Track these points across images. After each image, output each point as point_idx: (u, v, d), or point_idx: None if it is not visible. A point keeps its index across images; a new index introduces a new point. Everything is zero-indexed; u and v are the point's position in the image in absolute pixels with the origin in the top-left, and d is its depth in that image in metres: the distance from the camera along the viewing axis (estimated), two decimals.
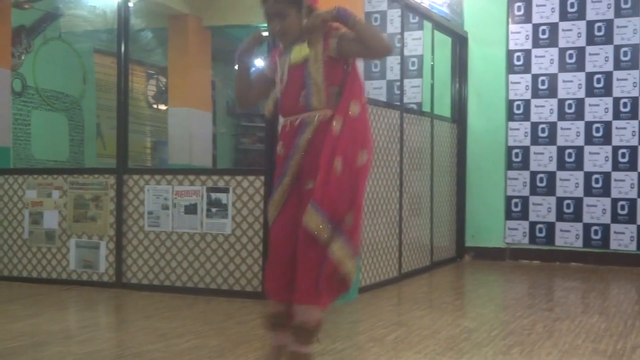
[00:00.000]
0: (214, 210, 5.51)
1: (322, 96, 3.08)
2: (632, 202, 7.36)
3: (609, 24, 7.45)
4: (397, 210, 6.38)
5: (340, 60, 3.13)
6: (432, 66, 7.38)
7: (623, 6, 7.42)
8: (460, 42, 7.90)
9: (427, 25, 7.43)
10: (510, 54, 7.85)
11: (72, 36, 8.93)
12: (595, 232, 7.48)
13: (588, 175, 7.51)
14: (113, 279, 5.81)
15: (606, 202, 7.45)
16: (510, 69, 7.86)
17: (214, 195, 5.52)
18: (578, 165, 7.55)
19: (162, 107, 10.08)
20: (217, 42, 8.91)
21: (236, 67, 3.35)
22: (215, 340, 4.05)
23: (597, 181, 7.48)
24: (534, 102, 7.76)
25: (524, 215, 7.76)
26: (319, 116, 3.08)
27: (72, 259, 5.97)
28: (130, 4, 6.06)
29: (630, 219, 7.36)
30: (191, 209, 5.59)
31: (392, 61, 8.02)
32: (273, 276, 3.19)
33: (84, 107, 9.19)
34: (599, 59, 7.49)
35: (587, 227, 7.53)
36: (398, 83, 7.13)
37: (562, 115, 7.63)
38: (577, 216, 7.54)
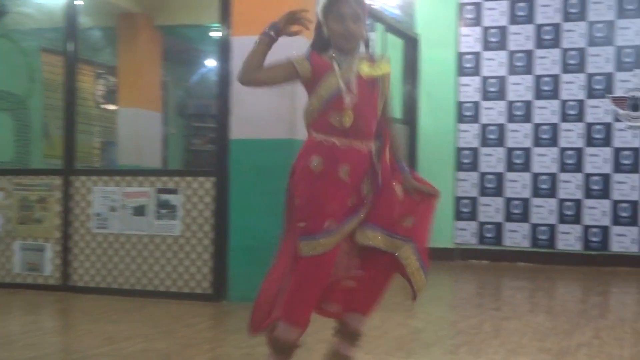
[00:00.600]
0: (163, 211, 5.45)
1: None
2: (577, 203, 7.51)
3: (556, 27, 7.58)
4: None
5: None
6: None
7: (570, 10, 7.56)
8: (411, 44, 7.96)
9: (380, 27, 7.47)
10: (460, 56, 7.94)
11: (19, 34, 8.74)
12: (543, 232, 7.61)
13: (535, 177, 7.64)
14: (59, 282, 5.70)
15: (553, 202, 7.58)
16: (461, 71, 7.95)
17: (163, 197, 5.46)
18: (526, 166, 7.67)
19: (111, 107, 9.93)
20: (168, 42, 8.83)
21: (258, 38, 2.97)
22: (163, 343, 4.00)
23: (544, 182, 7.61)
24: (483, 104, 7.87)
25: (472, 215, 7.86)
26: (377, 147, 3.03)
27: (16, 262, 5.85)
28: (79, 2, 5.97)
29: (576, 219, 7.51)
30: (140, 211, 5.52)
31: None
32: (312, 306, 3.04)
33: (30, 107, 9.00)
34: (547, 62, 7.62)
35: (534, 228, 7.65)
36: None
37: (510, 118, 7.75)
38: (524, 216, 7.66)
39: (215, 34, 6.96)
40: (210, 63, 7.51)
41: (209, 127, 11.38)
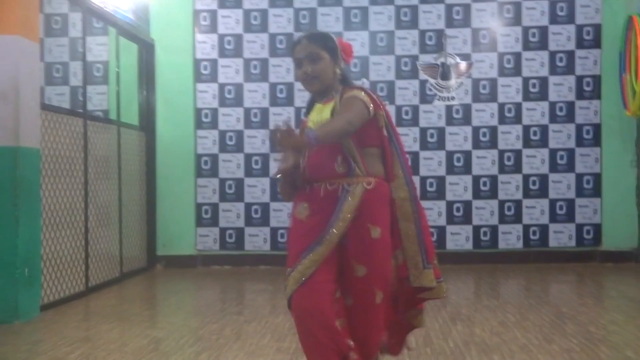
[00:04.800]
0: None
1: (359, 162, 2.89)
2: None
3: (289, 37, 7.83)
4: (82, 222, 6.09)
5: (370, 122, 2.91)
6: (118, 73, 7.18)
7: (302, 21, 7.86)
8: (147, 49, 7.80)
9: (112, 30, 7.23)
10: (197, 62, 7.92)
11: None
12: (282, 235, 7.81)
13: (275, 182, 7.81)
14: None
15: (290, 205, 7.80)
16: (198, 77, 7.93)
17: None
18: (264, 172, 7.82)
19: None
20: None
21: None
22: None
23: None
24: (221, 110, 7.91)
25: (214, 221, 7.87)
26: (365, 183, 2.89)
27: None
28: None
29: None
30: None
31: (75, 66, 7.69)
32: (321, 347, 2.85)
33: None
34: (281, 70, 7.84)
35: (274, 231, 7.83)
36: (82, 89, 6.83)
37: (248, 124, 7.87)
38: (264, 221, 7.82)
39: None
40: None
41: None
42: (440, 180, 7.73)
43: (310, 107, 3.11)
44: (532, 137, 7.69)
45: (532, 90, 7.71)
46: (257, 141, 7.87)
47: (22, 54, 5.09)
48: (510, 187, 7.71)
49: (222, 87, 7.91)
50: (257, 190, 7.87)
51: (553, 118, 7.68)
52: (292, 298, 2.88)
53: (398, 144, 3.02)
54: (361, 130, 2.88)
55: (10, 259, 4.94)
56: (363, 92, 2.93)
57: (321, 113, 2.97)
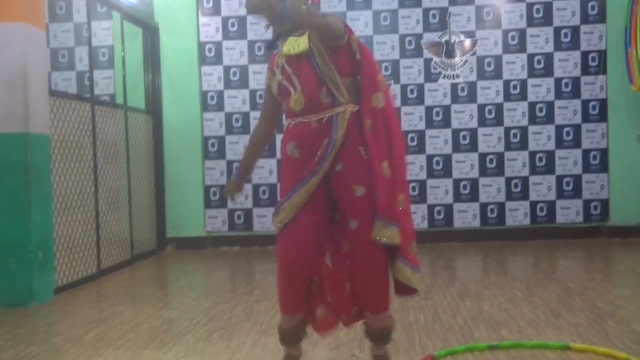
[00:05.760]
0: None
1: (342, 90, 2.94)
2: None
3: None
4: (93, 206, 6.15)
5: (343, 48, 2.97)
6: (123, 57, 7.20)
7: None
8: (151, 33, 7.81)
9: (116, 15, 7.25)
10: (201, 45, 7.94)
11: None
12: None
13: (280, 162, 7.85)
14: None
15: None
16: (202, 60, 7.95)
17: None
18: (272, 152, 7.86)
19: None
20: None
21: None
22: None
23: None
24: (227, 92, 7.94)
25: (222, 203, 7.93)
26: (349, 111, 2.96)
27: None
28: None
29: None
30: None
31: (81, 52, 7.72)
32: (293, 291, 3.03)
33: None
34: None
35: None
36: (88, 74, 6.86)
37: (254, 105, 7.90)
38: (272, 201, 7.87)
39: None
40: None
41: None
42: (447, 158, 7.76)
43: (274, 42, 3.14)
44: (538, 114, 7.70)
45: (537, 66, 7.71)
46: None
47: (29, 41, 5.13)
48: (517, 164, 7.73)
49: (227, 69, 7.93)
50: (265, 171, 7.91)
51: (559, 94, 7.69)
52: (278, 237, 3.03)
53: (371, 71, 3.03)
54: (335, 59, 2.94)
55: (24, 243, 5.01)
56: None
57: (296, 42, 3.00)
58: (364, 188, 2.94)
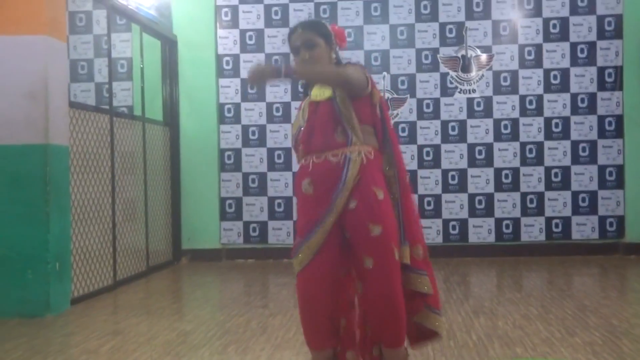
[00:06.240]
0: None
1: (357, 130, 3.04)
2: None
3: None
4: (110, 217, 6.21)
5: (364, 97, 3.09)
6: (142, 69, 7.27)
7: (323, 15, 7.91)
8: (169, 45, 7.89)
9: (135, 27, 7.32)
10: (219, 58, 8.00)
11: None
12: None
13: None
14: None
15: None
16: (220, 73, 8.01)
17: None
18: (287, 165, 7.90)
19: None
20: None
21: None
22: None
23: None
24: (244, 105, 7.99)
25: (238, 215, 7.96)
26: (364, 152, 3.05)
27: None
28: None
29: None
30: None
31: (100, 63, 7.80)
32: (316, 327, 3.10)
33: None
34: None
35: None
36: (107, 86, 6.94)
37: (270, 118, 7.94)
38: (288, 214, 7.90)
39: None
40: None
41: None
42: (462, 173, 7.76)
43: (306, 89, 3.29)
44: (554, 129, 7.70)
45: (553, 82, 7.71)
46: (279, 135, 7.94)
47: (50, 53, 5.20)
48: (532, 179, 7.72)
49: (244, 82, 7.98)
50: (280, 184, 7.95)
51: (575, 110, 7.68)
52: (297, 277, 3.12)
53: (388, 126, 3.17)
54: (356, 107, 3.05)
55: (41, 254, 5.06)
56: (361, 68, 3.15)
57: (322, 89, 3.13)
58: (380, 227, 2.99)
